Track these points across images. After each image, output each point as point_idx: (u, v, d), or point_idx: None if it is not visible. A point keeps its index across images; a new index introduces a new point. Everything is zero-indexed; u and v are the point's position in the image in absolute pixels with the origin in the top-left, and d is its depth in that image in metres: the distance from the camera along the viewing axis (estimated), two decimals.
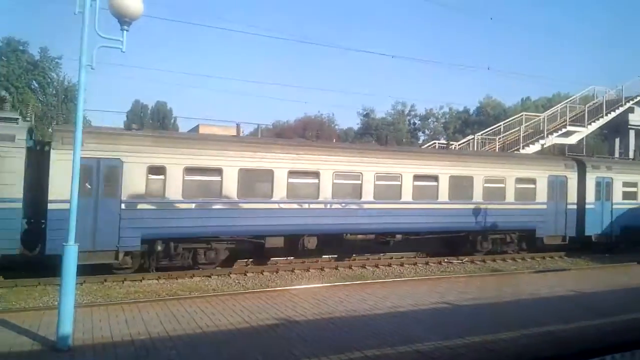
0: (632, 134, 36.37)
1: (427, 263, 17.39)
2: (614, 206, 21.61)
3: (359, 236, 16.65)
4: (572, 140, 32.25)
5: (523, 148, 27.84)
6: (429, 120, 70.11)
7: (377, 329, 7.78)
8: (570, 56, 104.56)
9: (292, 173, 15.26)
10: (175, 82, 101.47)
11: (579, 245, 20.84)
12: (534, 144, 29.10)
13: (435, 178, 17.43)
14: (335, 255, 17.39)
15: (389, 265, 16.80)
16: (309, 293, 10.65)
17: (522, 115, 32.90)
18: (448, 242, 19.13)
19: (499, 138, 28.71)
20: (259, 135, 21.88)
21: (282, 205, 15.02)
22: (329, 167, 15.77)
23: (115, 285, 12.82)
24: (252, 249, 16.11)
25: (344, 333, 7.61)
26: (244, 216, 14.60)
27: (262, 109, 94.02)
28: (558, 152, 26.50)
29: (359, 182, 16.16)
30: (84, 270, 10.69)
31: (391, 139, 26.95)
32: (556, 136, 30.64)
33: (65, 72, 49.01)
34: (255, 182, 14.96)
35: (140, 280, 13.40)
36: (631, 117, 35.20)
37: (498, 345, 6.97)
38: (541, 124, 30.84)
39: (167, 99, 74.59)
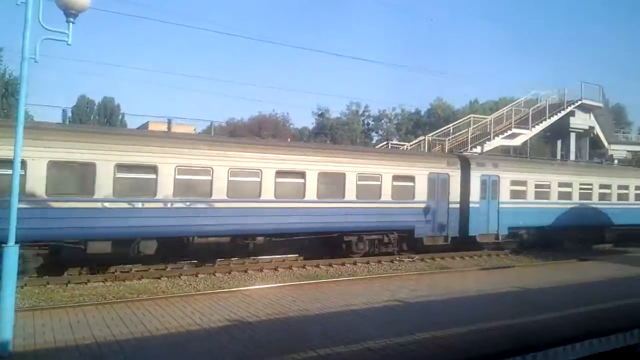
0: (573, 136, 38.29)
1: (379, 262, 17.65)
2: (501, 205, 20.78)
3: (211, 239, 15.29)
4: (517, 142, 33.59)
5: (471, 149, 28.74)
6: (382, 121, 71.13)
7: (330, 328, 7.81)
8: (516, 61, 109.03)
9: (123, 167, 13.47)
10: (126, 77, 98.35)
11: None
12: (481, 145, 30.10)
13: (302, 174, 16.26)
14: (287, 256, 17.32)
15: (343, 264, 16.94)
16: (262, 293, 10.57)
17: (470, 117, 33.98)
18: (327, 244, 17.86)
19: (449, 139, 29.51)
20: (212, 133, 21.45)
21: (107, 205, 13.15)
22: (172, 160, 14.14)
23: (58, 288, 12.33)
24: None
25: (297, 333, 7.60)
26: (57, 217, 12.47)
27: (217, 106, 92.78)
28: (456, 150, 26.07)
29: (209, 178, 14.67)
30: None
31: (346, 138, 26.68)
32: (502, 138, 31.82)
33: (6, 64, 46.49)
34: (73, 177, 13.05)
35: (86, 283, 12.96)
36: (572, 120, 37.03)
37: (447, 341, 7.15)
38: (488, 126, 31.96)
39: (115, 94, 72.02)
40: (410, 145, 29.51)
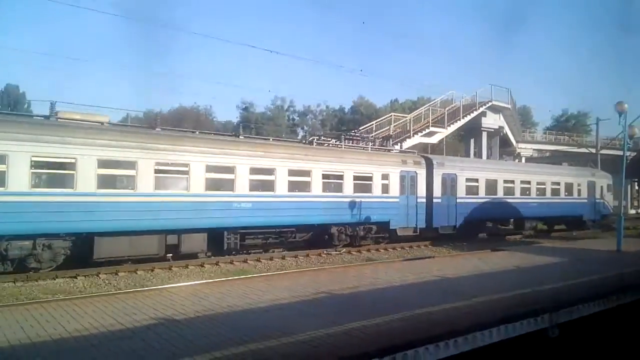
0: (484, 135, 40.77)
1: (307, 255, 17.84)
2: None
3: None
4: (435, 140, 35.26)
5: (392, 146, 29.74)
6: (308, 116, 71.71)
7: (259, 323, 7.78)
8: (434, 63, 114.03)
9: None
10: (31, 63, 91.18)
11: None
12: (402, 142, 31.23)
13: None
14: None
15: (271, 259, 16.98)
16: (188, 291, 10.31)
17: (391, 115, 35.18)
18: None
19: (372, 136, 30.33)
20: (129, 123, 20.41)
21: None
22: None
23: None
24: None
25: (226, 329, 7.49)
26: None
27: (134, 96, 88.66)
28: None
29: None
30: None
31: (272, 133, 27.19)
32: (421, 136, 33.24)
33: None
34: None
35: None
36: (484, 120, 39.45)
37: (374, 330, 7.38)
38: (408, 124, 33.23)
39: (18, 82, 66.66)
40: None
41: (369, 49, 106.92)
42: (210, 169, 15.76)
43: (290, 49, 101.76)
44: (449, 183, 23.25)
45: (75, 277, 13.16)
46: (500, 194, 25.85)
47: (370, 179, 20.14)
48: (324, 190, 18.59)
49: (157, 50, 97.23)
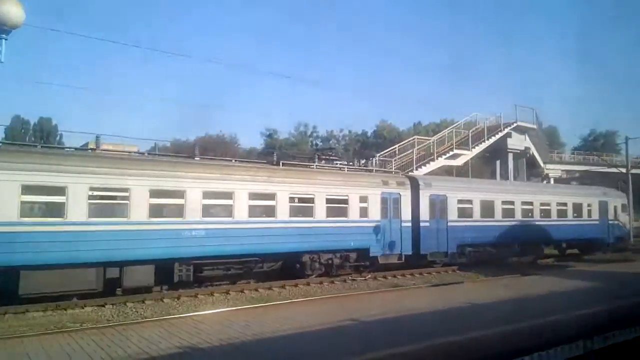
0: (510, 156, 40.17)
1: (332, 282, 17.65)
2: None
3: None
4: (459, 162, 34.87)
5: (416, 169, 29.54)
6: (331, 141, 72.03)
7: (283, 351, 7.69)
8: (457, 86, 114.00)
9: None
10: (62, 96, 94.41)
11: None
12: (425, 165, 31.03)
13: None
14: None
15: (296, 285, 16.82)
16: (214, 318, 10.28)
17: (414, 138, 35.02)
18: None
19: (395, 160, 30.23)
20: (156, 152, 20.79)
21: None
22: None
23: None
24: None
25: (251, 357, 7.43)
26: None
27: (161, 126, 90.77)
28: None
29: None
30: None
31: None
32: (445, 158, 32.95)
33: None
34: None
35: (24, 313, 12.16)
36: (509, 141, 38.90)
37: (406, 357, 7.20)
38: (431, 147, 33.03)
39: (52, 114, 69.15)
40: (361, 166, 30.05)
41: (391, 73, 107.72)
42: (154, 193, 14.38)
43: (312, 75, 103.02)
44: (439, 205, 21.19)
45: (103, 306, 13.28)
46: (498, 216, 23.54)
47: (345, 201, 18.30)
48: (291, 215, 16.95)
49: (186, 82, 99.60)
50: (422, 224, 20.43)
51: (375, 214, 19.00)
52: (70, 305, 13.01)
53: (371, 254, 18.76)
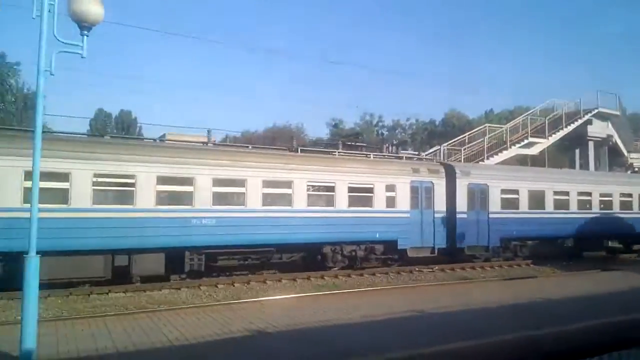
0: (591, 145, 37.76)
1: (398, 272, 17.50)
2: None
3: None
4: (534, 151, 33.25)
5: (487, 159, 28.50)
6: (397, 131, 71.05)
7: (348, 339, 7.74)
8: (531, 70, 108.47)
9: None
10: (141, 90, 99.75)
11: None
12: (497, 154, 29.86)
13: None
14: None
15: (361, 275, 16.85)
16: (281, 304, 10.57)
17: (485, 126, 33.76)
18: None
19: (464, 149, 29.32)
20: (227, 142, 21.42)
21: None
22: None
23: (80, 299, 12.46)
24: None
25: (316, 343, 7.54)
26: None
27: (231, 118, 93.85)
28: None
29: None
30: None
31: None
32: (518, 147, 31.53)
33: (24, 78, 47.50)
34: None
35: (107, 294, 13.07)
36: (590, 129, 36.53)
37: (466, 352, 7.04)
38: (504, 135, 31.71)
39: (132, 107, 73.19)
40: (426, 155, 29.34)
41: (461, 59, 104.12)
42: (162, 180, 14.07)
43: (379, 63, 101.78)
44: (478, 195, 19.64)
45: (179, 289, 13.98)
46: (549, 207, 21.63)
47: (370, 190, 17.37)
48: (309, 204, 16.23)
49: (253, 73, 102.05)
50: (458, 215, 19.10)
51: (404, 203, 18.00)
52: (149, 288, 13.79)
53: (399, 247, 17.82)
